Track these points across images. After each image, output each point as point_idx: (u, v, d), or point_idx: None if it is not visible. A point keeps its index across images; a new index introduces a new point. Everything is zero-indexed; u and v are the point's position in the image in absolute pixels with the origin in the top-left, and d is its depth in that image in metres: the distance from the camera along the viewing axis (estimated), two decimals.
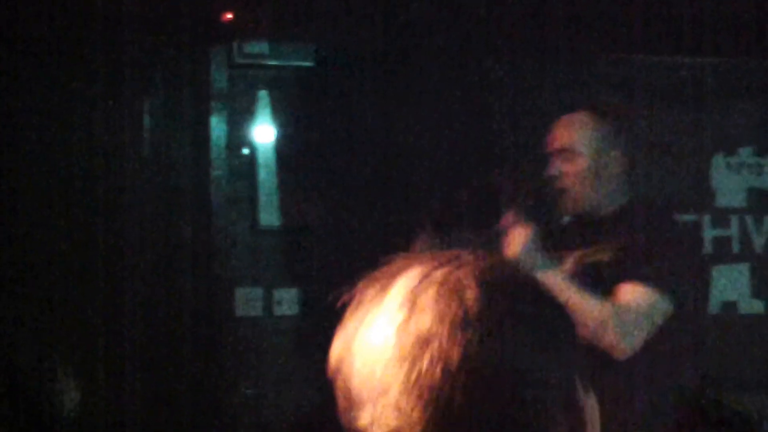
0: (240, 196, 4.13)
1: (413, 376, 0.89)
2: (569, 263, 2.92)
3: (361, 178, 4.04)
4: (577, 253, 2.91)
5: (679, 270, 2.83)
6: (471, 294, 0.90)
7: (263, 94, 4.14)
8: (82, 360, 3.82)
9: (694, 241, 3.18)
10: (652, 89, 4.43)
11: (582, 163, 2.99)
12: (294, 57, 4.16)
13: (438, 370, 0.88)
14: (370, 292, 0.95)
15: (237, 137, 4.13)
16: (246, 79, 4.14)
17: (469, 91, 4.17)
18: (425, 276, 0.92)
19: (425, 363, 0.88)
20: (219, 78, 4.05)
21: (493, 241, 2.96)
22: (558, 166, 3.02)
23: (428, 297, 0.91)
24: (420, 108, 4.07)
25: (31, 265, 3.86)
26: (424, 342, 0.89)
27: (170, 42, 3.97)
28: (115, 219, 3.93)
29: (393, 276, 0.94)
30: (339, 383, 0.95)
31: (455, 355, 0.88)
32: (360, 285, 0.96)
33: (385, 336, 0.91)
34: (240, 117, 4.14)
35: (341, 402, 0.95)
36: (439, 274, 0.92)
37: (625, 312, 2.75)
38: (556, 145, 3.05)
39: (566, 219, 3.11)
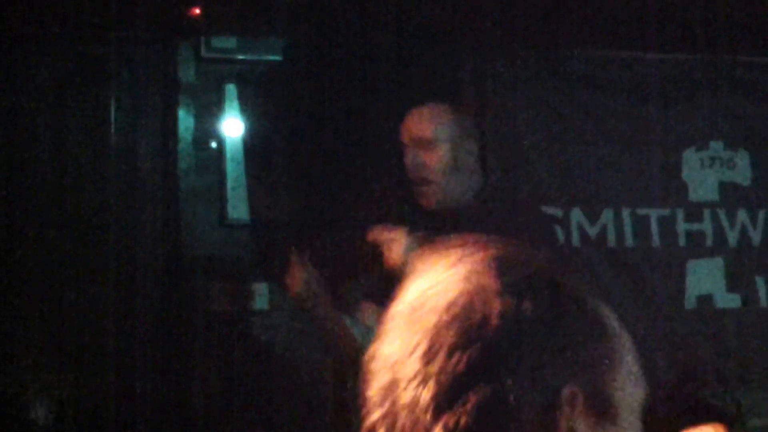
0: (208, 190, 4.14)
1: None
2: None
3: (329, 172, 4.04)
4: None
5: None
6: (496, 305, 0.91)
7: (231, 88, 4.14)
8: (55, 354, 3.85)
9: (552, 234, 3.16)
10: (620, 85, 4.41)
11: (441, 154, 2.98)
12: (262, 51, 4.16)
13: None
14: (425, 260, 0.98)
15: (204, 131, 4.13)
16: (213, 73, 4.14)
17: (437, 85, 4.15)
18: (476, 251, 0.96)
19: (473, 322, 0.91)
20: (186, 72, 4.06)
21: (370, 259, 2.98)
22: (417, 157, 2.99)
23: (481, 266, 0.93)
24: (387, 102, 4.02)
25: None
26: (474, 302, 0.92)
27: (137, 36, 3.97)
28: (80, 213, 3.92)
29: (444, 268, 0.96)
30: (372, 367, 0.96)
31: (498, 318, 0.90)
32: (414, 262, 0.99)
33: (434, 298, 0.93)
34: (207, 111, 4.13)
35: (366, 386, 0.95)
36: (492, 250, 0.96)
37: None
38: (413, 136, 3.01)
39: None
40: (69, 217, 3.93)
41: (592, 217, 4.36)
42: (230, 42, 4.12)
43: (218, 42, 4.12)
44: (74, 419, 3.86)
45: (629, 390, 0.96)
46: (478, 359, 0.89)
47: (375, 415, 0.92)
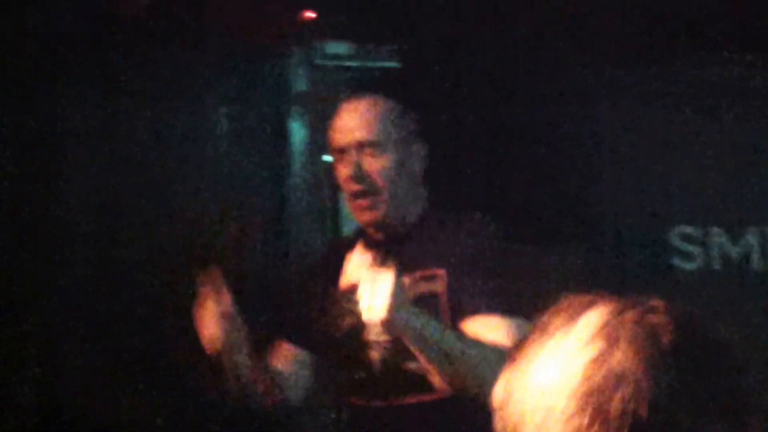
0: (321, 208, 3.87)
1: (602, 412, 0.88)
2: None
3: (451, 185, 3.72)
4: (405, 282, 2.39)
5: (516, 281, 2.42)
6: (666, 339, 0.89)
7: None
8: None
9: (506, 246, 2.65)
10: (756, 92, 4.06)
11: (386, 159, 2.56)
12: (379, 58, 3.90)
13: (630, 408, 0.87)
14: (555, 323, 0.94)
15: (318, 142, 3.83)
16: (327, 81, 3.88)
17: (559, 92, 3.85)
18: (618, 313, 0.92)
19: (616, 400, 0.88)
20: (298, 80, 3.83)
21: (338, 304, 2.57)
22: (359, 164, 2.55)
23: (625, 334, 0.90)
24: (516, 112, 3.78)
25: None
26: (618, 378, 0.88)
27: (247, 42, 3.74)
28: (180, 232, 3.64)
29: (578, 311, 0.94)
30: (505, 414, 0.94)
31: (648, 395, 0.87)
32: (543, 317, 0.95)
33: (571, 369, 0.90)
34: (322, 120, 3.66)
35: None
36: (632, 314, 0.92)
37: (497, 355, 2.26)
38: (353, 138, 2.56)
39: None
40: (167, 236, 3.67)
41: (734, 237, 4.00)
42: (345, 48, 3.88)
43: (332, 48, 3.87)
44: None
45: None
46: None
47: None
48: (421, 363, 2.37)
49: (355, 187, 2.55)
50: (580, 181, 3.69)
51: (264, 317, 2.72)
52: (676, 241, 3.86)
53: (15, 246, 3.39)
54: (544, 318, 0.95)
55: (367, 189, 2.54)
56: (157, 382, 3.46)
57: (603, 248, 3.72)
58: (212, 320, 2.45)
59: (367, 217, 2.57)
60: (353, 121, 2.59)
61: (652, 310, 0.92)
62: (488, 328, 2.38)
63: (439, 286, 2.46)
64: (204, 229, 3.67)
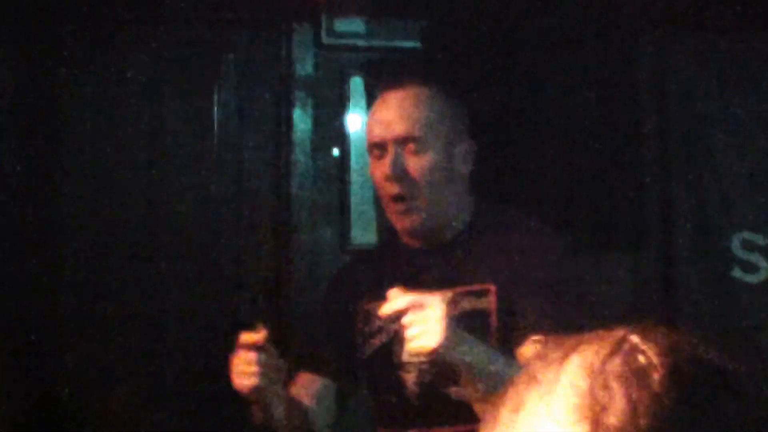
0: (327, 207, 3.55)
1: None
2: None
3: (504, 187, 3.35)
4: (444, 297, 2.21)
5: (570, 297, 2.27)
6: (657, 376, 0.83)
7: (357, 82, 3.55)
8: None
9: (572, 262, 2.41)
10: None
11: (430, 158, 2.35)
12: (394, 36, 3.54)
13: None
14: (542, 369, 0.87)
15: (325, 134, 3.55)
16: (336, 63, 3.56)
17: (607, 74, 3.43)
18: (598, 371, 0.84)
19: None
20: (303, 62, 3.50)
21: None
22: (397, 162, 2.34)
23: (612, 395, 0.83)
24: (544, 97, 3.40)
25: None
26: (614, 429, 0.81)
27: (244, 18, 3.43)
28: (172, 230, 3.38)
29: (564, 355, 0.87)
30: None
31: None
32: (514, 382, 0.88)
33: (564, 421, 0.83)
34: (329, 109, 3.55)
35: None
36: (616, 363, 0.85)
37: None
38: (393, 132, 2.35)
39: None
40: (160, 234, 3.40)
41: None
42: (357, 25, 3.53)
43: (342, 25, 3.53)
44: None
45: None
46: None
47: None
48: (465, 389, 2.25)
49: (394, 188, 2.35)
50: (630, 184, 3.39)
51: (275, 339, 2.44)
52: (738, 250, 3.50)
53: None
54: (531, 364, 0.90)
55: (408, 191, 2.34)
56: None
57: (655, 259, 3.42)
58: (253, 373, 2.26)
59: (406, 222, 2.37)
60: (394, 113, 2.37)
61: (637, 349, 0.86)
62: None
63: (488, 303, 2.32)
64: (194, 234, 3.41)
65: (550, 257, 2.32)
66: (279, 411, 2.33)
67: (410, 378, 2.39)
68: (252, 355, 2.24)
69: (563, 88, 3.31)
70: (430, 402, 2.36)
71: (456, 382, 2.27)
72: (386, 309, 2.19)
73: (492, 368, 2.15)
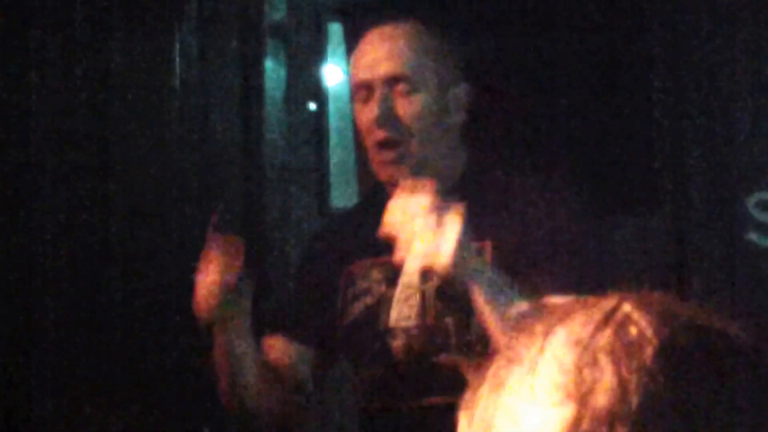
0: (304, 168, 3.43)
1: None
2: None
3: (498, 137, 3.21)
4: (458, 210, 2.19)
5: (573, 256, 2.22)
6: (651, 350, 0.79)
7: (335, 29, 3.41)
8: None
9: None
10: None
11: (422, 100, 2.25)
12: None
13: None
14: (523, 345, 0.83)
15: (300, 88, 3.41)
16: (311, 7, 3.44)
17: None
18: (585, 346, 0.81)
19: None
20: (275, 6, 3.34)
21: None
22: (385, 105, 2.23)
23: (600, 372, 0.79)
24: (539, 38, 3.23)
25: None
26: (605, 411, 0.78)
27: None
28: (134, 200, 3.18)
29: (548, 329, 0.83)
30: None
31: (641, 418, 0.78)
32: (494, 360, 0.85)
33: (548, 401, 0.79)
34: (303, 59, 3.41)
35: None
36: (609, 330, 0.81)
37: None
38: (380, 71, 2.23)
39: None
40: (118, 206, 3.20)
41: None
42: None
43: None
44: None
45: None
46: None
47: None
48: (455, 357, 2.23)
49: (382, 133, 2.23)
50: (642, 142, 3.23)
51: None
52: (754, 211, 3.32)
53: None
54: (510, 340, 0.86)
55: (396, 136, 2.23)
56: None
57: (664, 219, 3.26)
58: (212, 286, 2.21)
59: (392, 171, 2.24)
60: (382, 50, 2.25)
61: (630, 320, 0.81)
62: None
63: (484, 262, 2.23)
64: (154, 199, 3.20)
65: (550, 216, 2.25)
66: (245, 356, 2.24)
67: (398, 345, 2.31)
68: (217, 266, 2.19)
69: (570, 35, 3.15)
70: (419, 371, 2.29)
71: (447, 348, 2.22)
72: (393, 211, 2.10)
73: (503, 299, 2.10)
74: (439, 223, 2.06)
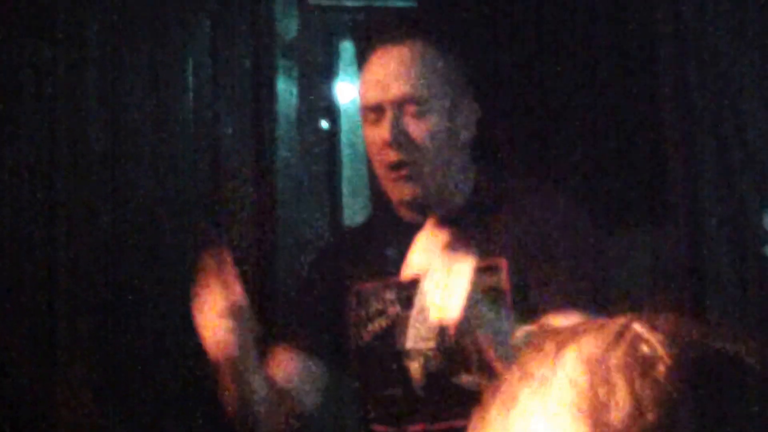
0: (315, 186, 3.43)
1: None
2: None
3: (507, 154, 3.19)
4: (469, 262, 2.13)
5: (588, 271, 2.20)
6: (663, 367, 0.80)
7: (346, 47, 3.44)
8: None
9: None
10: None
11: (433, 121, 2.24)
12: None
13: None
14: (536, 362, 0.83)
15: (312, 105, 3.42)
16: (323, 26, 3.46)
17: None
18: (598, 364, 0.81)
19: None
20: (287, 25, 3.36)
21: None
22: (398, 126, 2.21)
23: (613, 389, 0.79)
24: (554, 63, 3.22)
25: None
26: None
27: None
28: (141, 212, 3.19)
29: (561, 346, 0.83)
30: None
31: None
32: (506, 377, 0.84)
33: (561, 420, 0.79)
34: (315, 77, 3.43)
35: None
36: (621, 349, 0.82)
37: None
38: (391, 92, 2.21)
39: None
40: (132, 221, 3.20)
41: None
42: None
43: None
44: None
45: None
46: None
47: None
48: (476, 377, 2.22)
49: (393, 155, 2.22)
50: (653, 152, 3.22)
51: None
52: None
53: None
54: (523, 357, 0.86)
55: (409, 158, 2.22)
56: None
57: (679, 234, 3.24)
58: (219, 317, 2.10)
59: (405, 192, 2.23)
60: (392, 71, 2.23)
61: (640, 339, 0.82)
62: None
63: (500, 280, 2.23)
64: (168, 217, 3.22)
65: (563, 231, 2.23)
66: (255, 387, 2.17)
67: (415, 366, 2.29)
68: (217, 293, 2.08)
69: (575, 47, 3.15)
70: (437, 393, 2.27)
71: (467, 370, 2.21)
72: (410, 267, 2.07)
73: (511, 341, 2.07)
74: (451, 272, 2.03)
